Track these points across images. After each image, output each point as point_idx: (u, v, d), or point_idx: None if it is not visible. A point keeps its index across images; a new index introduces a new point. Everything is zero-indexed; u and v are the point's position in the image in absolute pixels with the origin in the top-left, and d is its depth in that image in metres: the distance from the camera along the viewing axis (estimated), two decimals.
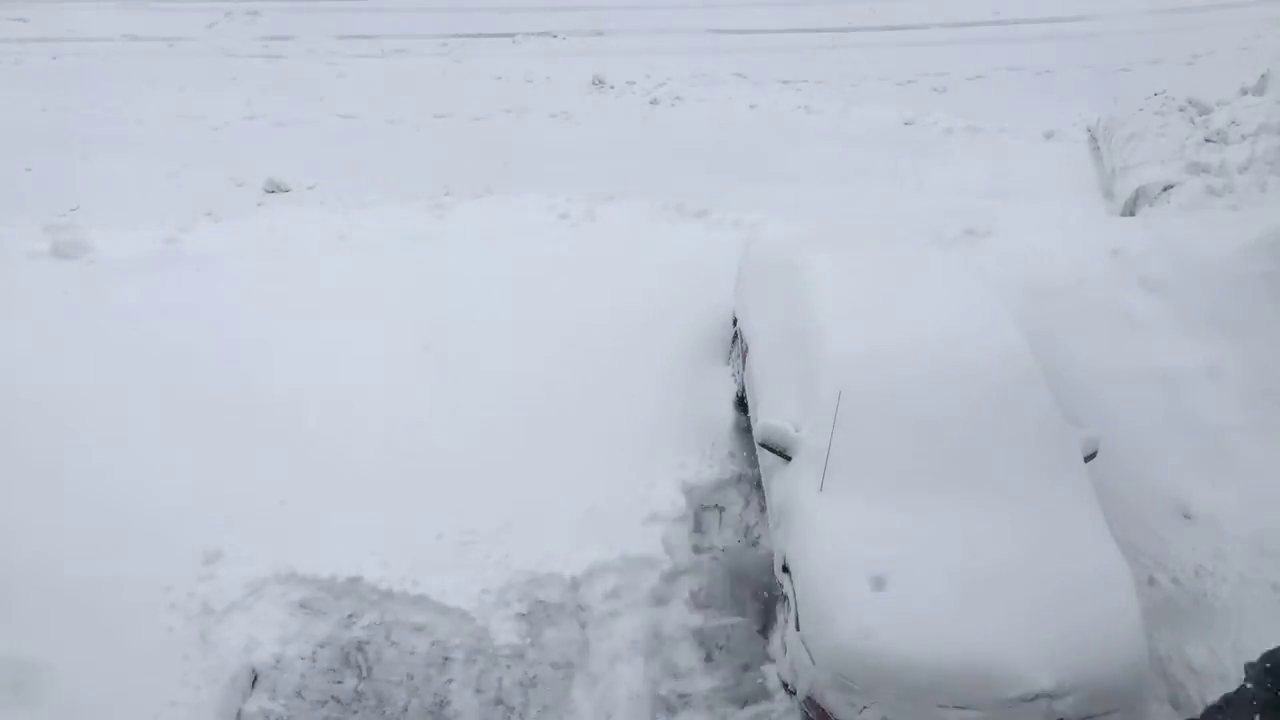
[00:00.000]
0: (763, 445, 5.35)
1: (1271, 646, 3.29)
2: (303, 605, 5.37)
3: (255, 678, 5.09)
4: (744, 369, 6.60)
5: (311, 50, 15.66)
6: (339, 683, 5.13)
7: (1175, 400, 6.60)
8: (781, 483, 5.25)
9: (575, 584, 5.47)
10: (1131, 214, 9.67)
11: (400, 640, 5.27)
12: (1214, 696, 4.87)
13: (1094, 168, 11.17)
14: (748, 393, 6.44)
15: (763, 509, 5.88)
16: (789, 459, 5.22)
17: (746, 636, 5.35)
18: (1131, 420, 6.41)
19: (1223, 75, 12.25)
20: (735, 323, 7.06)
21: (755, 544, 5.91)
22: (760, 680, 5.13)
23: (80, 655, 4.93)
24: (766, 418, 5.43)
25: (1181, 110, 11.76)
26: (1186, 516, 5.84)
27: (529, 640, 5.25)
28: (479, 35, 16.53)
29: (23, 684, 4.75)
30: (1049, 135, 11.94)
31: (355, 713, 4.99)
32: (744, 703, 5.04)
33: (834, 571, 4.61)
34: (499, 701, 5.02)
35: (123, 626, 5.12)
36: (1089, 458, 5.17)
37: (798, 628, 4.66)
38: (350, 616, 5.36)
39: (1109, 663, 4.30)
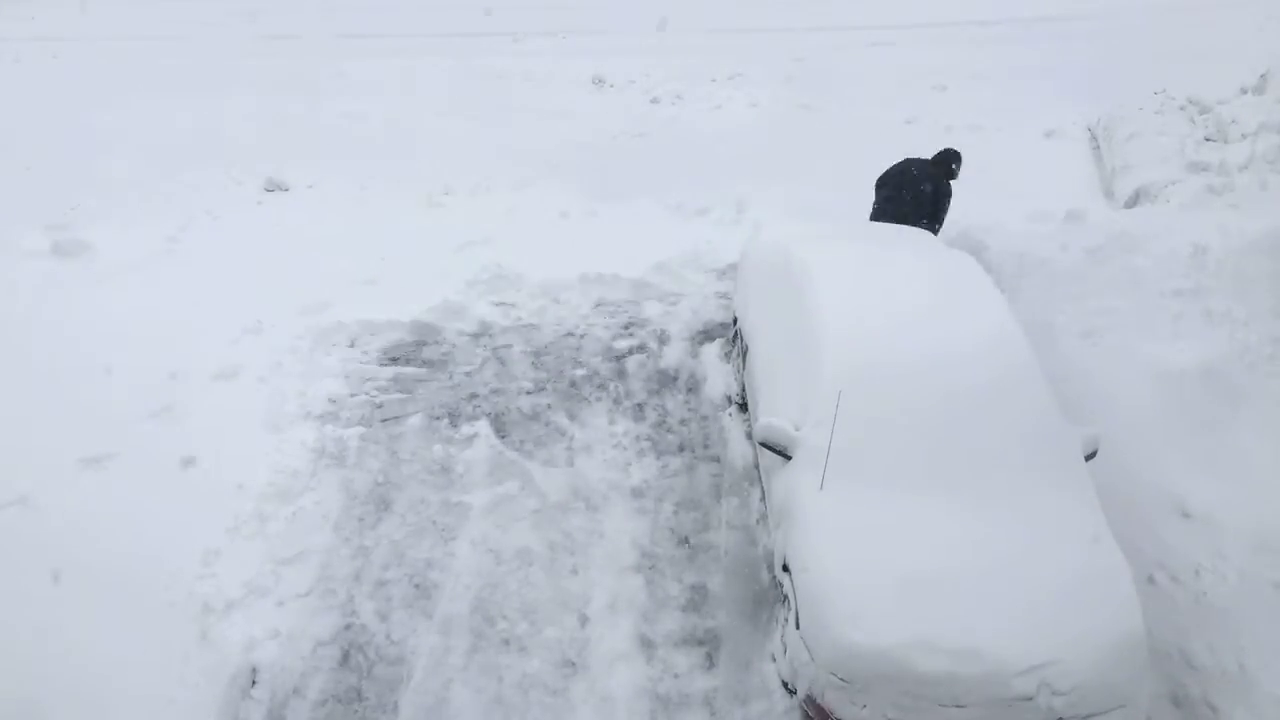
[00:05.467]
0: (763, 444, 5.35)
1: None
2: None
3: (255, 676, 5.10)
4: (744, 368, 6.61)
5: (311, 49, 15.65)
6: (339, 681, 5.13)
7: (1175, 399, 6.59)
8: (781, 482, 5.25)
9: None
10: None
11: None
12: (1214, 694, 4.90)
13: (1094, 166, 11.17)
14: (748, 392, 6.44)
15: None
16: (789, 458, 5.22)
17: None
18: (1131, 419, 6.41)
19: (1223, 75, 12.24)
20: (735, 322, 7.07)
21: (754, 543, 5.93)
22: (760, 679, 5.13)
23: (79, 656, 4.93)
24: (766, 417, 5.43)
25: (1181, 109, 11.75)
26: (1186, 515, 5.84)
27: None
28: (480, 34, 16.53)
29: (24, 687, 4.75)
30: (1049, 134, 11.93)
31: (355, 712, 4.99)
32: (744, 702, 5.04)
33: (834, 570, 4.61)
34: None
35: (122, 627, 5.12)
36: (1089, 457, 5.17)
37: (798, 626, 4.66)
38: None
39: (1109, 661, 4.30)
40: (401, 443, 6.70)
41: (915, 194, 7.67)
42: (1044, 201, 9.36)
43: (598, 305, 8.25)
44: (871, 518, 4.76)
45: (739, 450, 6.59)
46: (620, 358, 7.61)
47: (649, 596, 5.58)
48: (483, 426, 6.79)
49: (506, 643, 5.30)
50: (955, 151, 7.88)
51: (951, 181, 7.84)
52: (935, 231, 7.67)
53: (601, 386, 7.29)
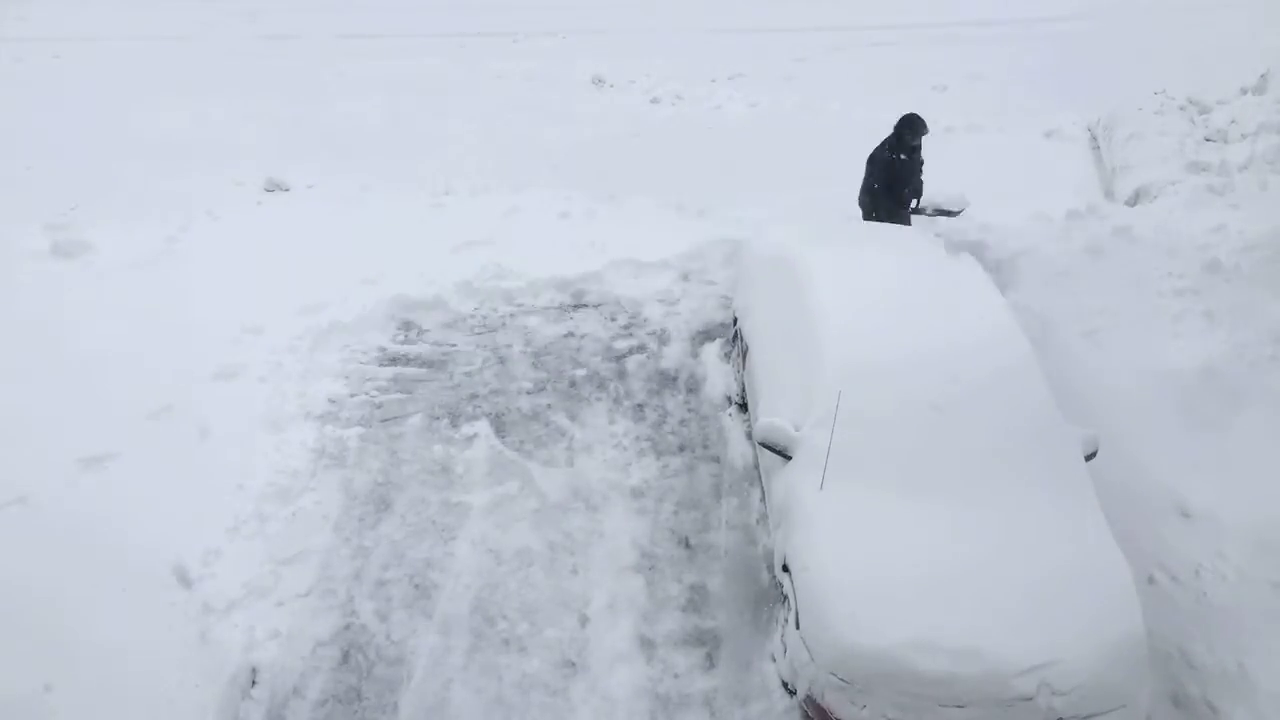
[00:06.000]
0: (763, 444, 5.35)
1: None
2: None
3: (255, 676, 5.09)
4: (744, 368, 6.61)
5: (312, 49, 15.66)
6: (339, 681, 5.13)
7: (1174, 399, 6.60)
8: (782, 482, 5.25)
9: None
10: None
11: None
12: (1214, 694, 4.90)
13: (1094, 167, 11.17)
14: (748, 392, 6.45)
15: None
16: (789, 458, 5.22)
17: None
18: (1131, 419, 6.41)
19: (1223, 75, 12.25)
20: (735, 322, 7.07)
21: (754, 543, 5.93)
22: (760, 679, 5.12)
23: (79, 655, 4.93)
24: (766, 417, 5.44)
25: (1181, 109, 11.75)
26: (1185, 515, 5.84)
27: None
28: (479, 34, 16.54)
29: (24, 687, 4.75)
30: (1049, 134, 11.93)
31: (355, 712, 4.99)
32: (744, 702, 5.04)
33: (834, 570, 4.61)
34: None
35: (122, 626, 5.12)
36: (1089, 457, 5.17)
37: (798, 626, 4.66)
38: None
39: (1109, 661, 4.30)
40: (401, 443, 6.71)
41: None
42: (1044, 201, 9.36)
43: (598, 305, 8.25)
44: (872, 518, 4.76)
45: (739, 450, 6.59)
46: (620, 358, 7.61)
47: (649, 597, 5.58)
48: (483, 426, 6.79)
49: (506, 643, 5.31)
50: (905, 117, 7.84)
51: (900, 153, 7.83)
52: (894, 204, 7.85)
53: (601, 386, 7.29)
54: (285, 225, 9.42)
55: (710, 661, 5.23)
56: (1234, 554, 5.58)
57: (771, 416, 5.38)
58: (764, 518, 5.90)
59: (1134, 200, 9.83)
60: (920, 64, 14.44)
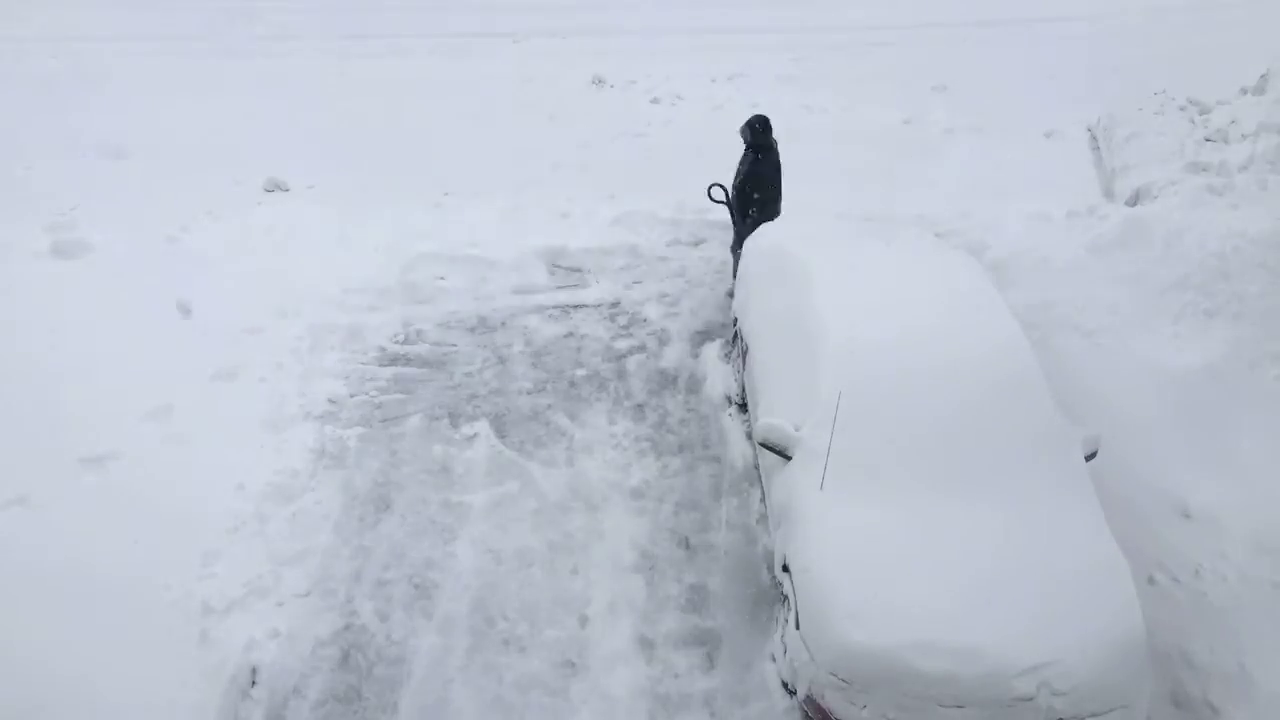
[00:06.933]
0: (763, 444, 5.35)
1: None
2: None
3: (255, 676, 5.09)
4: (744, 368, 6.61)
5: (311, 50, 15.65)
6: (338, 681, 5.13)
7: (1175, 399, 6.60)
8: (781, 482, 5.25)
9: None
10: None
11: None
12: (1215, 694, 4.90)
13: (1094, 167, 11.17)
14: (748, 392, 6.45)
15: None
16: (789, 458, 5.22)
17: None
18: (1131, 420, 6.41)
19: (1223, 75, 12.24)
20: (735, 322, 7.07)
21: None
22: (760, 679, 5.12)
23: (79, 655, 4.93)
24: (766, 417, 5.44)
25: (1181, 110, 11.74)
26: (1186, 515, 5.85)
27: None
28: (479, 35, 16.53)
29: (24, 687, 4.75)
30: (1049, 135, 11.93)
31: (355, 712, 4.99)
32: (744, 702, 5.04)
33: (834, 570, 4.61)
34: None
35: (122, 626, 5.12)
36: (1089, 457, 5.17)
37: (798, 626, 4.66)
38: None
39: (1109, 661, 4.30)
40: (401, 443, 6.71)
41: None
42: (1044, 201, 9.36)
43: (598, 304, 8.26)
44: (872, 518, 4.76)
45: (739, 450, 6.59)
46: (620, 358, 7.61)
47: (649, 597, 5.58)
48: (483, 427, 6.79)
49: (506, 643, 5.31)
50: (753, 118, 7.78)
51: (760, 153, 7.81)
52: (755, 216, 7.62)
53: (601, 387, 7.30)
54: (285, 225, 9.42)
55: (710, 661, 5.23)
56: (1234, 554, 5.58)
57: (771, 416, 5.39)
58: (764, 518, 5.90)
59: (1134, 200, 9.82)
60: (920, 64, 14.43)
